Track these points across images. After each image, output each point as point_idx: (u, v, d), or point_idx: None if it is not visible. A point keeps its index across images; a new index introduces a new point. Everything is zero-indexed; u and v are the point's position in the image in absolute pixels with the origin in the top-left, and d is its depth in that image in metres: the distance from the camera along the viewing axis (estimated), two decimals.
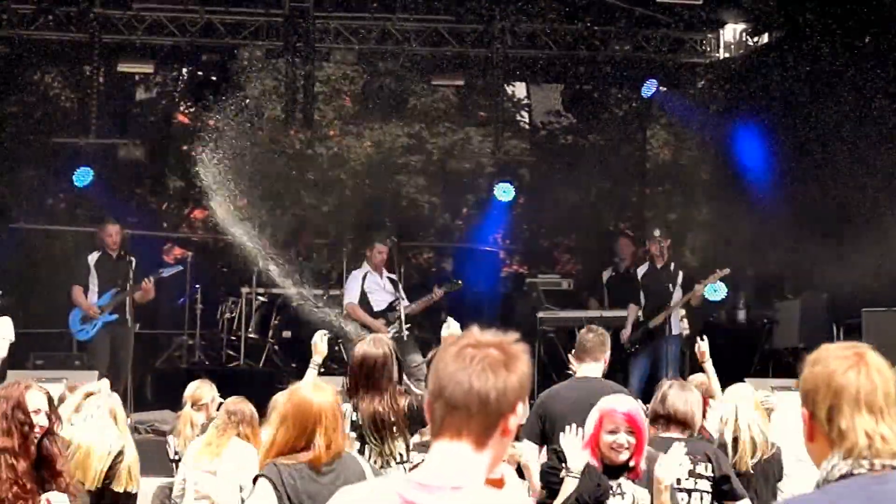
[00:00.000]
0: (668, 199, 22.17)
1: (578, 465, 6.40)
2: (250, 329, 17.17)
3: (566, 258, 22.15)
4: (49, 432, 6.01)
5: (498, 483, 3.08)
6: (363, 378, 6.98)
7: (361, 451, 6.95)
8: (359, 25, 17.57)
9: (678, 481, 6.64)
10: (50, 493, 5.95)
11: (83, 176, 16.63)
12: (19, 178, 18.14)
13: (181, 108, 21.91)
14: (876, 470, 3.09)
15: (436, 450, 3.02)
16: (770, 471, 8.55)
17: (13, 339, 10.30)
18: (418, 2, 17.41)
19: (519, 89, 22.86)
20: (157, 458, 9.95)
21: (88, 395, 8.22)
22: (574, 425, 6.60)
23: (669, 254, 15.37)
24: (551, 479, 6.75)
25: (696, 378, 9.49)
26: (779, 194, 16.85)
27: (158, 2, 17.13)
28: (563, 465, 6.55)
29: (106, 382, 8.61)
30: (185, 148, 21.00)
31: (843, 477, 3.11)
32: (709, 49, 18.30)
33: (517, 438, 7.91)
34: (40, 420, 5.96)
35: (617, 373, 13.36)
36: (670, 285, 14.96)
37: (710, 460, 6.86)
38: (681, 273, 15.16)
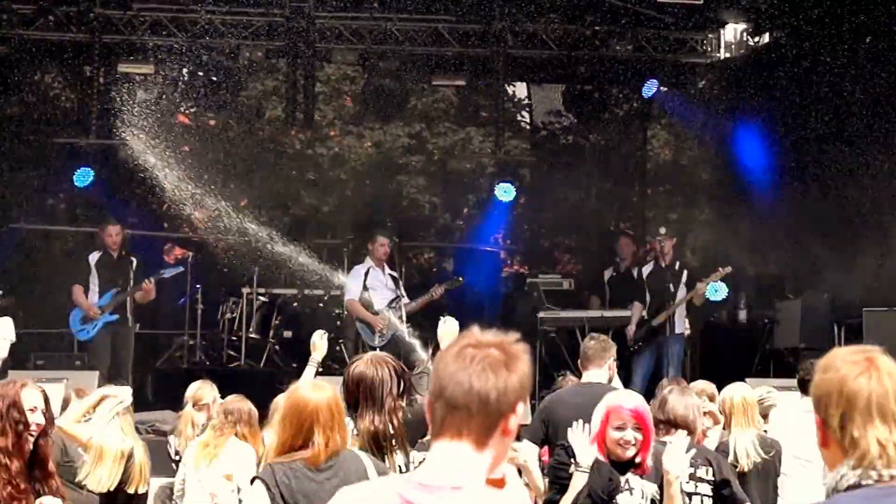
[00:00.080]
0: (668, 199, 22.19)
1: (587, 460, 6.42)
2: (251, 329, 17.16)
3: (567, 258, 22.16)
4: (44, 432, 5.98)
5: (499, 483, 3.07)
6: (361, 396, 6.96)
7: None
8: (359, 25, 17.56)
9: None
10: (44, 498, 5.93)
11: (83, 176, 16.63)
12: (20, 178, 18.13)
13: (182, 109, 21.90)
14: (884, 481, 3.07)
15: (436, 450, 3.02)
16: (770, 469, 8.57)
17: (14, 339, 10.29)
18: (419, 2, 17.40)
19: (520, 89, 22.87)
20: (158, 459, 9.95)
21: (104, 397, 8.22)
22: (581, 421, 6.61)
23: (675, 252, 15.40)
24: (560, 474, 6.74)
25: (698, 385, 9.48)
26: (779, 194, 16.85)
27: (159, 2, 17.13)
28: (572, 460, 6.55)
29: (128, 391, 8.61)
30: (186, 148, 21.01)
31: (850, 487, 3.09)
32: (709, 49, 18.29)
33: (518, 438, 7.91)
34: (37, 418, 5.92)
35: (620, 371, 13.36)
36: (675, 284, 14.99)
37: (710, 464, 6.86)
38: (685, 272, 15.18)
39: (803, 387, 9.39)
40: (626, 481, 6.37)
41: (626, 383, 13.57)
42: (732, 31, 18.04)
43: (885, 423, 3.11)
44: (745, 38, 18.00)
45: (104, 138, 16.94)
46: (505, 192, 17.88)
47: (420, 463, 7.05)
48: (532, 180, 21.47)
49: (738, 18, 17.80)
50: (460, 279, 15.56)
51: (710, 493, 6.79)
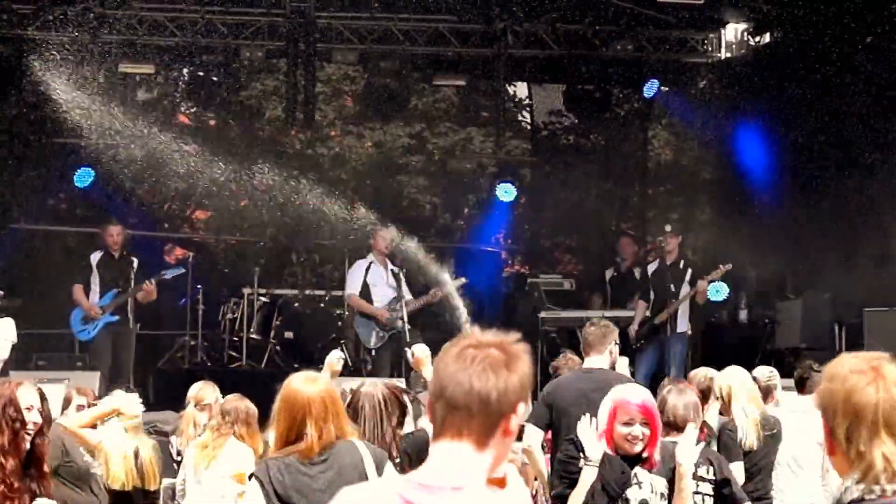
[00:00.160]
0: (669, 198, 22.18)
1: (596, 454, 6.42)
2: (252, 329, 17.16)
3: (567, 258, 22.16)
4: (40, 431, 5.96)
5: (500, 482, 3.07)
6: (360, 427, 6.95)
7: None
8: (360, 25, 17.55)
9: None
10: (39, 500, 5.92)
11: (84, 176, 16.63)
12: (20, 178, 18.12)
13: (182, 109, 21.91)
14: (887, 496, 3.07)
15: (437, 450, 3.01)
16: (771, 449, 8.58)
17: (15, 340, 10.31)
18: (419, 2, 17.39)
19: (520, 89, 22.87)
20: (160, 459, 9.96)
21: (115, 411, 8.22)
22: (589, 415, 6.61)
23: (679, 251, 15.42)
24: (570, 468, 6.73)
25: (700, 372, 9.49)
26: (780, 194, 16.84)
27: (159, 2, 17.12)
28: (581, 454, 6.54)
29: (137, 401, 8.62)
30: (187, 149, 21.00)
31: (854, 501, 3.10)
32: (710, 49, 18.28)
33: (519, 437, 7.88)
34: (33, 417, 5.90)
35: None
36: (678, 282, 15.01)
37: (711, 463, 6.85)
38: (689, 270, 15.20)
39: (800, 386, 9.42)
40: (635, 475, 6.39)
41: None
42: (733, 31, 18.03)
43: (892, 437, 3.11)
44: (745, 38, 17.99)
45: (105, 138, 16.91)
46: (506, 192, 17.87)
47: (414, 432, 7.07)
48: (533, 180, 21.47)
49: (738, 18, 17.79)
50: (462, 279, 15.50)
51: (712, 493, 6.79)
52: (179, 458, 9.05)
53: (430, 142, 22.53)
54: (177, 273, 15.87)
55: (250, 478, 5.55)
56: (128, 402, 8.54)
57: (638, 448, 6.37)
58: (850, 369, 3.19)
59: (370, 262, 15.01)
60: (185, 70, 19.69)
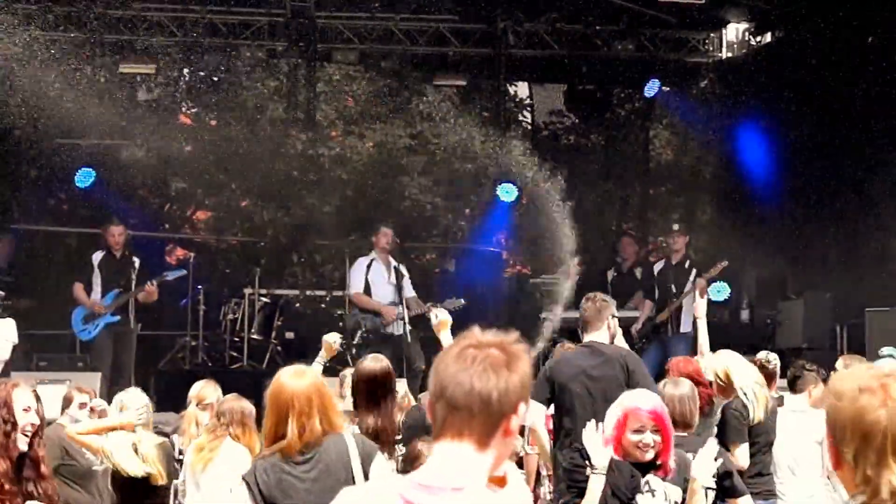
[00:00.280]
0: (670, 198, 22.16)
1: (603, 461, 6.36)
2: (253, 330, 17.15)
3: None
4: (36, 433, 5.92)
5: (500, 481, 3.06)
6: (366, 395, 6.95)
7: None
8: (361, 25, 17.55)
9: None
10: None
11: (85, 177, 16.62)
12: (21, 179, 18.12)
13: (183, 109, 21.89)
14: None
15: (438, 450, 3.01)
16: (772, 426, 8.57)
17: (16, 340, 10.30)
18: (420, 2, 17.38)
19: (521, 89, 22.84)
20: None
21: (123, 426, 8.22)
22: (594, 421, 6.56)
23: (686, 250, 15.44)
24: (576, 477, 6.70)
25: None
26: (781, 194, 16.83)
27: (160, 2, 17.11)
28: (587, 462, 6.51)
29: (144, 400, 8.61)
30: (187, 149, 20.99)
31: None
32: (711, 48, 18.28)
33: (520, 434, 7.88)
34: (31, 418, 5.86)
35: None
36: (682, 282, 15.02)
37: (714, 458, 6.83)
38: (694, 270, 15.21)
39: (792, 385, 9.43)
40: (647, 483, 6.31)
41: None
42: (734, 31, 18.04)
43: None
44: (747, 38, 17.99)
45: (106, 138, 16.91)
46: (507, 192, 17.84)
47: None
48: (534, 180, 21.42)
49: (739, 18, 17.79)
50: (461, 301, 15.39)
51: (714, 486, 6.78)
52: (181, 458, 9.04)
53: (430, 142, 22.50)
54: (178, 275, 15.87)
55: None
56: (132, 396, 8.53)
57: (650, 456, 6.29)
58: (859, 387, 3.15)
59: (371, 260, 15.01)
60: (185, 70, 19.68)
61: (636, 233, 19.54)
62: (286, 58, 17.69)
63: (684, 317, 14.97)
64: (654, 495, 6.29)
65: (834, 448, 3.16)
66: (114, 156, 16.86)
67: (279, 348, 17.07)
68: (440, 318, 8.09)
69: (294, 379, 5.56)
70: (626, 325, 15.18)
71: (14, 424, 5.77)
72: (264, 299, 17.42)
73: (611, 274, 17.39)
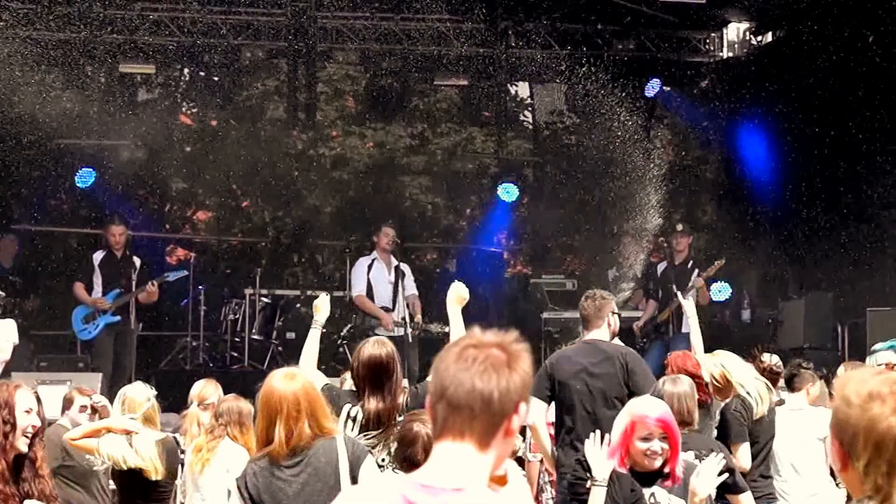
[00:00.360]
0: (671, 198, 22.12)
1: (604, 473, 6.31)
2: (254, 330, 17.15)
3: (570, 258, 22.10)
4: (36, 434, 5.92)
5: (501, 480, 3.06)
6: (368, 379, 6.94)
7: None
8: (361, 25, 17.53)
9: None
10: (29, 502, 5.88)
11: (85, 177, 16.61)
12: (21, 179, 18.10)
13: (183, 109, 21.88)
14: None
15: (439, 450, 3.00)
16: (772, 425, 8.54)
17: (17, 341, 10.27)
18: (421, 2, 17.37)
19: (522, 89, 22.82)
20: None
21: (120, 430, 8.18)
22: (598, 433, 6.52)
23: (689, 251, 15.45)
24: (578, 490, 6.67)
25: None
26: (782, 193, 16.82)
27: (160, 2, 17.09)
28: (589, 474, 6.48)
29: (145, 390, 8.59)
30: (187, 149, 20.97)
31: None
32: (712, 48, 18.26)
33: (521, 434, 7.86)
34: (32, 420, 5.85)
35: None
36: (685, 282, 15.06)
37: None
38: (696, 271, 15.21)
39: (790, 384, 9.44)
40: (652, 495, 6.24)
41: None
42: (735, 31, 18.02)
43: None
44: (748, 38, 17.97)
45: (106, 139, 16.89)
46: (507, 192, 17.83)
47: None
48: (535, 180, 21.43)
49: (740, 17, 17.77)
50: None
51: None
52: (183, 457, 9.02)
53: (431, 142, 22.47)
54: (179, 275, 15.88)
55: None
56: (137, 391, 8.50)
57: (657, 463, 6.21)
58: (869, 393, 3.12)
59: (373, 260, 15.01)
60: (186, 70, 19.67)
61: (637, 233, 19.51)
62: (286, 58, 17.66)
63: (685, 316, 14.97)
64: None
65: (842, 451, 3.14)
66: (114, 156, 16.83)
67: (280, 349, 17.06)
68: (458, 292, 7.80)
69: (283, 382, 5.57)
70: (627, 324, 15.23)
71: (14, 425, 5.76)
72: (265, 300, 17.42)
73: (612, 273, 17.39)
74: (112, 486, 8.74)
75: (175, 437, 8.63)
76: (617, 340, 8.78)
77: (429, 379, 3.17)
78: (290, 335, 17.20)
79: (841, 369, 9.62)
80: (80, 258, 16.07)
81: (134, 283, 14.81)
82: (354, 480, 5.43)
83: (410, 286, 14.84)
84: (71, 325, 15.00)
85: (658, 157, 22.18)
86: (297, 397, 5.50)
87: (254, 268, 18.26)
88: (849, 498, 3.62)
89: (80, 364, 14.85)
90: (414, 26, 17.63)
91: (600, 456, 6.37)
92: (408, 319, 14.25)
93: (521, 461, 9.56)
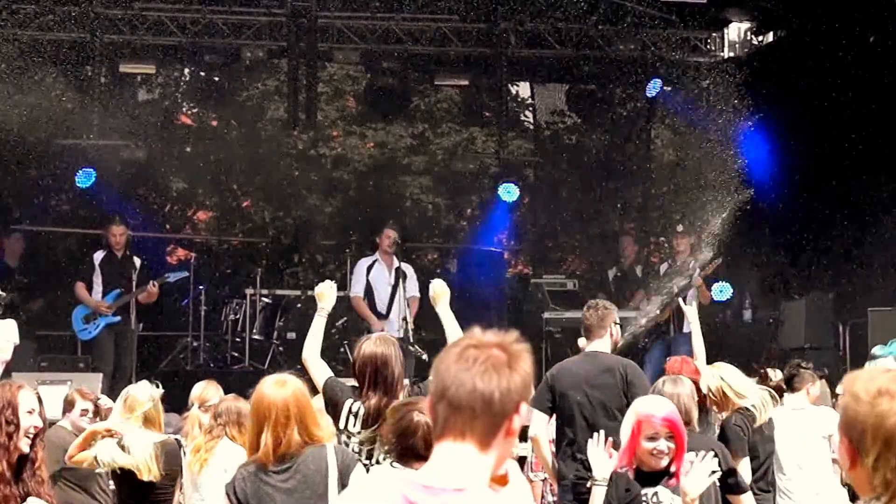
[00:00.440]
0: (672, 198, 22.12)
1: (604, 473, 6.30)
2: (254, 331, 17.15)
3: (571, 258, 22.11)
4: (37, 435, 5.92)
5: (501, 480, 3.05)
6: (370, 377, 6.93)
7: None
8: (362, 25, 17.51)
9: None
10: (31, 499, 5.88)
11: (85, 177, 16.60)
12: (21, 179, 18.10)
13: (184, 109, 21.88)
14: None
15: (439, 451, 3.00)
16: (770, 433, 8.51)
17: (17, 341, 10.25)
18: (421, 1, 17.35)
19: (523, 89, 22.83)
20: None
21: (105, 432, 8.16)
22: (602, 432, 6.50)
23: (691, 251, 15.46)
24: (580, 489, 6.66)
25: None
26: (784, 194, 16.80)
27: (160, 1, 17.07)
28: (589, 474, 6.46)
29: (146, 388, 8.55)
30: (188, 149, 20.97)
31: None
32: (713, 48, 18.23)
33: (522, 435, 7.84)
34: (35, 421, 5.85)
35: None
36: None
37: (715, 454, 6.79)
38: (698, 270, 15.21)
39: (790, 384, 9.42)
40: (655, 494, 6.23)
41: None
42: (737, 30, 17.99)
43: None
44: (749, 37, 17.94)
45: (106, 139, 16.88)
46: (508, 192, 17.81)
47: None
48: (536, 180, 21.43)
49: (742, 17, 17.74)
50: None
51: (717, 482, 6.73)
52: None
53: (432, 142, 22.49)
54: (180, 276, 15.88)
55: None
56: (140, 390, 8.46)
57: (664, 463, 6.20)
58: (878, 389, 3.11)
59: (374, 261, 14.99)
60: (186, 70, 19.67)
61: (637, 233, 19.51)
62: (287, 58, 17.64)
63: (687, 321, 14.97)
64: None
65: (850, 449, 3.13)
66: (114, 156, 16.81)
67: (281, 349, 17.06)
68: (436, 289, 7.81)
69: (274, 389, 5.59)
70: (630, 324, 15.24)
71: (17, 426, 5.77)
72: (265, 300, 17.42)
73: (612, 273, 17.38)
74: (112, 486, 8.71)
75: (177, 440, 8.60)
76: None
77: (430, 378, 3.16)
78: (291, 335, 17.19)
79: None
80: (80, 259, 16.05)
81: (134, 283, 14.79)
82: (344, 488, 5.43)
83: (413, 288, 14.79)
84: (71, 326, 14.99)
85: (659, 156, 22.21)
86: (287, 404, 5.52)
87: (254, 268, 18.27)
88: (855, 497, 3.61)
89: (81, 364, 14.86)
90: (415, 26, 17.61)
91: (601, 456, 6.36)
92: (408, 319, 14.24)
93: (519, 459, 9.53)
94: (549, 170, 21.62)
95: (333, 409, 6.92)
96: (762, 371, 9.83)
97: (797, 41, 16.73)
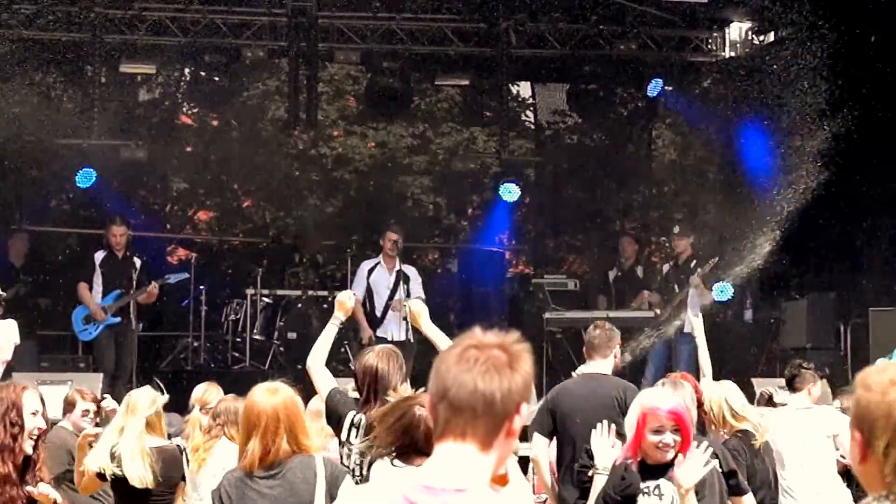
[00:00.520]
0: (673, 198, 22.12)
1: (607, 462, 6.27)
2: (255, 331, 17.15)
3: (572, 258, 22.10)
4: (40, 437, 5.92)
5: (502, 479, 3.05)
6: (371, 388, 6.91)
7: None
8: (362, 25, 17.49)
9: None
10: (41, 485, 5.90)
11: (86, 177, 16.59)
12: (22, 179, 18.08)
13: (184, 109, 21.87)
14: None
15: (440, 451, 3.01)
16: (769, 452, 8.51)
17: (18, 341, 10.26)
18: (422, 1, 17.33)
19: (524, 89, 22.81)
20: None
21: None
22: (605, 422, 6.49)
23: (692, 252, 15.47)
24: (583, 477, 6.64)
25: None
26: (785, 193, 16.77)
27: (160, 1, 17.05)
28: (592, 462, 6.44)
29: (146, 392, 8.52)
30: (188, 149, 20.96)
31: None
32: (714, 48, 18.21)
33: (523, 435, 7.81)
34: (38, 422, 5.87)
35: (633, 368, 13.55)
36: (684, 283, 15.08)
37: (717, 456, 6.77)
38: (699, 270, 15.21)
39: (790, 384, 9.42)
40: (658, 487, 6.15)
41: (639, 377, 13.60)
42: (737, 30, 17.96)
43: None
44: (750, 37, 17.92)
45: (106, 139, 16.87)
46: (509, 192, 17.79)
47: None
48: (536, 180, 21.42)
49: (743, 17, 17.71)
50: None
51: (724, 481, 6.71)
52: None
53: (433, 142, 22.49)
54: (180, 278, 15.89)
55: None
56: (140, 394, 8.42)
57: (669, 456, 6.12)
58: (890, 379, 3.10)
59: (376, 263, 14.98)
60: (186, 70, 19.64)
61: (639, 233, 19.50)
62: (287, 58, 17.62)
63: (688, 316, 14.96)
64: (661, 500, 6.13)
65: (862, 441, 3.11)
66: (114, 156, 16.79)
67: (281, 349, 17.07)
68: (412, 309, 7.69)
69: (265, 396, 5.61)
70: (625, 327, 15.24)
71: (22, 428, 5.78)
72: (266, 300, 17.43)
73: (613, 274, 17.38)
74: None
75: (179, 446, 8.56)
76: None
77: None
78: (292, 335, 17.20)
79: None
80: (81, 259, 16.04)
81: (134, 283, 14.79)
82: (332, 500, 5.43)
83: (416, 290, 14.76)
84: (72, 326, 14.99)
85: (660, 156, 22.21)
86: (277, 412, 5.53)
87: (255, 268, 18.26)
88: (860, 497, 3.59)
89: (82, 364, 14.88)
90: (415, 26, 17.59)
91: (605, 445, 6.33)
92: (409, 320, 14.23)
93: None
94: (549, 170, 21.60)
95: (336, 421, 6.88)
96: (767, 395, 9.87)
97: (798, 41, 16.69)
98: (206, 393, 9.07)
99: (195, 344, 17.28)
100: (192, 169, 20.96)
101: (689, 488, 6.05)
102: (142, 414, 8.08)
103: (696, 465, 6.08)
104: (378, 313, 14.78)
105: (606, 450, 6.30)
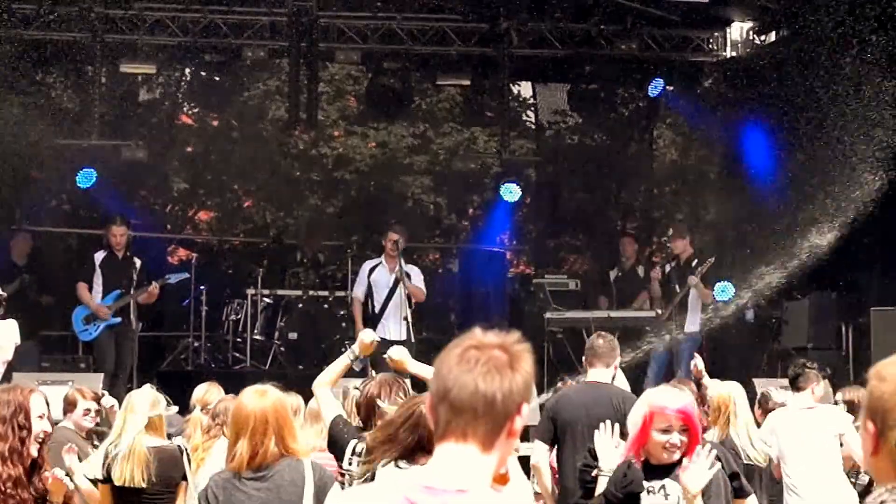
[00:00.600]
0: (674, 198, 22.13)
1: (610, 463, 6.21)
2: (256, 331, 17.15)
3: (573, 258, 22.11)
4: (44, 440, 5.91)
5: (502, 479, 3.05)
6: (372, 418, 6.89)
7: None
8: (363, 25, 17.48)
9: None
10: (56, 470, 5.91)
11: (86, 177, 16.58)
12: (22, 179, 18.06)
13: (184, 109, 21.87)
14: None
15: (441, 452, 3.00)
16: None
17: (19, 341, 10.25)
18: (423, 1, 17.31)
19: (525, 89, 22.81)
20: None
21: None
22: (609, 422, 6.46)
23: (693, 251, 15.47)
24: (586, 477, 6.61)
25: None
26: (786, 193, 16.77)
27: (161, 1, 17.04)
28: (596, 462, 6.41)
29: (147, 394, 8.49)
30: (189, 149, 20.96)
31: None
32: (716, 48, 18.19)
33: (524, 438, 7.80)
34: (44, 425, 5.86)
35: (634, 368, 13.55)
36: (684, 283, 15.07)
37: (719, 459, 6.73)
38: (698, 269, 15.22)
39: (794, 384, 9.43)
40: (663, 486, 5.99)
41: (640, 379, 13.59)
42: (739, 30, 17.94)
43: None
44: (751, 37, 17.90)
45: (107, 139, 16.86)
46: (510, 192, 17.77)
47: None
48: (537, 180, 21.42)
49: (744, 17, 17.70)
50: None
51: (728, 482, 6.67)
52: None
53: (433, 142, 22.49)
54: (181, 278, 15.87)
55: None
56: (140, 396, 8.39)
57: (676, 457, 5.92)
58: None
59: (377, 263, 14.97)
60: (186, 70, 19.64)
61: (640, 233, 19.50)
62: (288, 57, 17.60)
63: (690, 316, 14.98)
64: (667, 499, 5.98)
65: (875, 430, 3.10)
66: (114, 156, 16.79)
67: (282, 349, 17.07)
68: (394, 358, 7.44)
69: (253, 398, 5.63)
70: (625, 327, 15.22)
71: (29, 431, 5.78)
72: (267, 300, 17.42)
73: (614, 274, 17.38)
74: None
75: (180, 446, 8.54)
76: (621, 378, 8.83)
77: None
78: (292, 335, 17.20)
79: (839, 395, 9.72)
80: (81, 259, 16.02)
81: (134, 283, 14.78)
82: None
83: (418, 282, 14.77)
84: (72, 326, 14.98)
85: (661, 156, 22.21)
86: (266, 414, 5.54)
87: (255, 268, 18.25)
88: (867, 493, 3.57)
89: (82, 364, 14.88)
90: (416, 26, 17.57)
91: (609, 446, 6.29)
92: (410, 319, 14.23)
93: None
94: (550, 170, 21.60)
95: (339, 450, 6.81)
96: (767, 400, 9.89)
97: (800, 40, 16.67)
98: (207, 393, 9.06)
99: (196, 344, 17.27)
100: (193, 169, 20.97)
101: (697, 493, 5.90)
102: (142, 413, 8.07)
103: (702, 469, 5.91)
104: (377, 311, 14.76)
105: (610, 451, 6.25)
